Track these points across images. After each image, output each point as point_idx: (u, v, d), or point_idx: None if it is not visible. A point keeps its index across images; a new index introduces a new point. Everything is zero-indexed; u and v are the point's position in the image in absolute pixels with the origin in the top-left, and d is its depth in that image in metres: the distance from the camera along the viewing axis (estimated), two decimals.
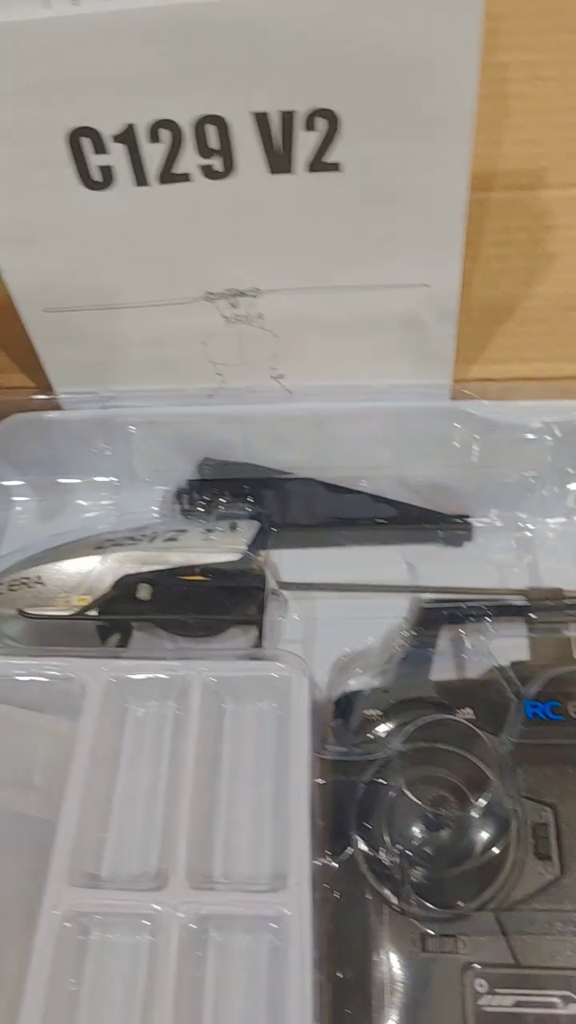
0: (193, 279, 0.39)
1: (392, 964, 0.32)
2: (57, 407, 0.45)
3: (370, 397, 0.44)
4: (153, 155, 0.34)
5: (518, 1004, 0.31)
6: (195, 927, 0.30)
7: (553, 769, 0.35)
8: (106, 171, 0.34)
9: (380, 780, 0.35)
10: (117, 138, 0.33)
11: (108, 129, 0.33)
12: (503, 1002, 0.31)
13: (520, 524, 0.48)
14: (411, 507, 0.48)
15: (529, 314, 0.43)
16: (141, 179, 0.35)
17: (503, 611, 0.43)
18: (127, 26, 0.30)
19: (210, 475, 0.47)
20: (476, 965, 0.31)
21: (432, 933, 0.32)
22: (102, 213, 0.36)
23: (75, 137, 0.33)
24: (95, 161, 0.34)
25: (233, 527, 0.44)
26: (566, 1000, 0.31)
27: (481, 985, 0.31)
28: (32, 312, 0.40)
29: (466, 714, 0.37)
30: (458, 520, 0.48)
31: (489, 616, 0.43)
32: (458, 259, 0.38)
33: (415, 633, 0.43)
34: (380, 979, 0.31)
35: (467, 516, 0.48)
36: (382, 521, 0.47)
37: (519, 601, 0.44)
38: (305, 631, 0.43)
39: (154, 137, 0.33)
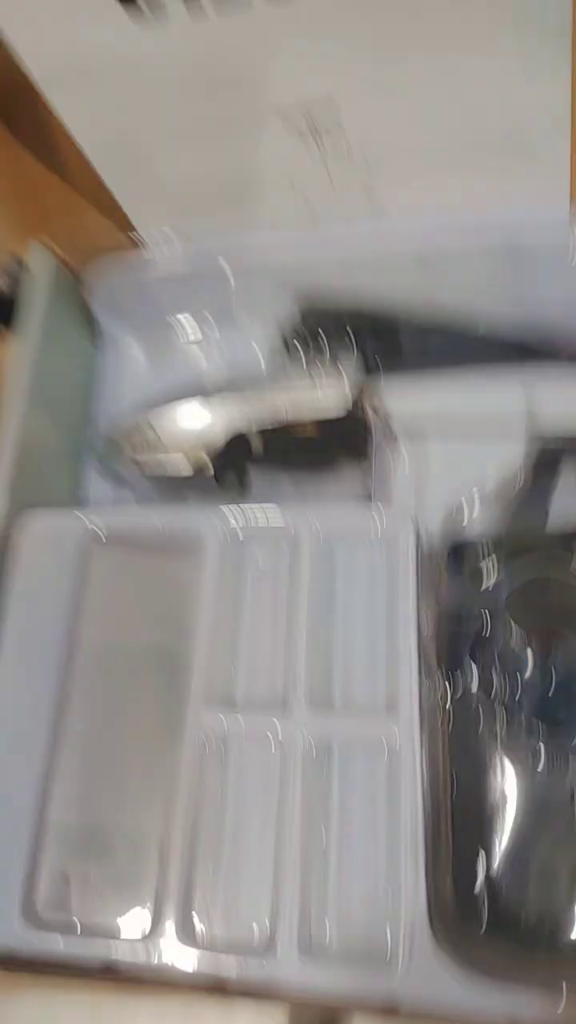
0: (260, 94, 0.36)
1: (508, 779, 0.35)
2: (150, 255, 0.45)
3: (479, 222, 0.41)
4: None
5: None
6: (316, 745, 0.35)
7: None
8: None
9: (492, 620, 0.37)
10: None
11: None
12: None
13: None
14: (531, 341, 0.45)
15: None
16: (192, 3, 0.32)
17: None
18: None
19: (312, 312, 0.46)
20: None
21: (543, 753, 0.35)
22: (154, 45, 0.33)
23: None
24: None
25: (339, 371, 0.44)
26: None
27: None
28: (101, 157, 0.39)
29: None
30: None
31: None
32: (567, 57, 0.33)
33: (532, 475, 0.42)
34: (495, 793, 0.35)
35: None
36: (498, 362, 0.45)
37: None
38: (418, 478, 0.44)
39: None
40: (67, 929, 0.33)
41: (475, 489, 0.42)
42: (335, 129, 0.38)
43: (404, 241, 0.43)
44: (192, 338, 0.49)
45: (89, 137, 0.39)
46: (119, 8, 0.32)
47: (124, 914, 0.33)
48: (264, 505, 0.40)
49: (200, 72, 0.35)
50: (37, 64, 0.35)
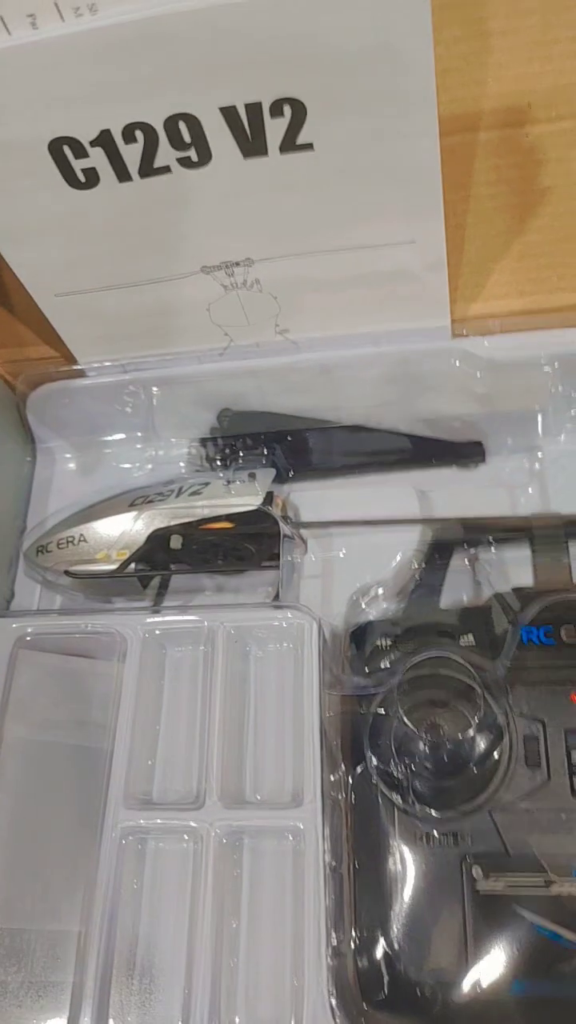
0: (187, 256, 0.41)
1: (402, 857, 0.38)
2: (83, 375, 0.49)
3: (372, 343, 0.46)
4: (131, 154, 0.35)
5: (508, 886, 0.37)
6: (227, 839, 0.37)
7: (544, 689, 0.40)
8: (90, 172, 0.36)
9: (386, 706, 0.40)
10: (94, 143, 0.35)
11: (85, 136, 0.35)
12: (496, 885, 0.37)
13: (531, 449, 0.50)
14: (424, 439, 0.50)
15: (526, 249, 0.43)
16: (124, 176, 0.36)
17: (509, 538, 0.47)
18: (84, 46, 0.31)
19: (229, 424, 0.50)
20: (473, 856, 0.37)
21: (435, 831, 0.38)
22: (92, 209, 0.38)
23: (56, 146, 0.35)
24: (78, 165, 0.36)
25: (252, 476, 0.48)
26: (548, 882, 0.36)
27: (477, 872, 0.37)
28: (45, 297, 0.43)
29: (467, 640, 0.42)
30: (471, 444, 0.50)
31: (494, 543, 0.47)
32: (439, 216, 0.38)
33: (426, 563, 0.46)
34: (392, 869, 0.37)
35: (479, 442, 0.50)
36: (396, 456, 0.50)
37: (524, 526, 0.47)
38: (324, 567, 0.48)
39: (129, 138, 0.35)
40: None
41: (381, 573, 0.46)
42: (251, 280, 0.42)
43: (309, 359, 0.47)
44: (120, 449, 0.53)
45: (36, 284, 0.43)
46: (60, 178, 0.37)
47: (41, 1020, 0.34)
48: (181, 606, 0.43)
49: (128, 230, 0.39)
50: None
